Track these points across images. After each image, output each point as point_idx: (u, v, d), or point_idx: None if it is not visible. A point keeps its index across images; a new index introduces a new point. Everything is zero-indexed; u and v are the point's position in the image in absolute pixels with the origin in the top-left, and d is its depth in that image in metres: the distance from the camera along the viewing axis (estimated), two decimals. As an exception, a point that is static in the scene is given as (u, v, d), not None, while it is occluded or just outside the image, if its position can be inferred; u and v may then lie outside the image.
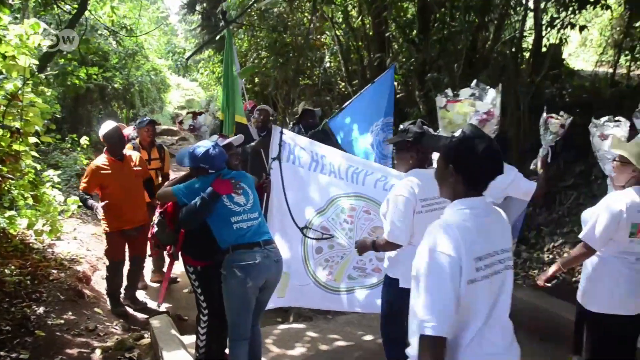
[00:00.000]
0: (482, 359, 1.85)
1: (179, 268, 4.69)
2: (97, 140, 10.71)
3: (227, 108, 5.22)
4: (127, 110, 15.11)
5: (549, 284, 3.17)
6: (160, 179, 5.81)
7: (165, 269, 5.54)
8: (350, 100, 5.79)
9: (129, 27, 12.27)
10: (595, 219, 2.92)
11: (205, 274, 3.59)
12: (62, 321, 4.40)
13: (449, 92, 3.10)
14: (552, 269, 3.13)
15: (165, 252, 3.86)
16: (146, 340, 4.25)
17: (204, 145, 3.44)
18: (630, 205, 2.85)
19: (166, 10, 26.50)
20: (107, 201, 4.75)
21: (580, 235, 3.03)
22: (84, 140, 8.87)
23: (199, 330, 3.71)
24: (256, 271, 3.23)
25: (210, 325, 3.66)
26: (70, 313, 4.58)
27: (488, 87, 3.14)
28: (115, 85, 12.47)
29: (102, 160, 4.89)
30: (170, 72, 22.54)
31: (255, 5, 7.98)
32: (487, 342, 1.84)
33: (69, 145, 9.96)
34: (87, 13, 7.67)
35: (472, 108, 2.77)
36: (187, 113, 4.99)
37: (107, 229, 4.94)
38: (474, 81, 3.17)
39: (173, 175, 5.35)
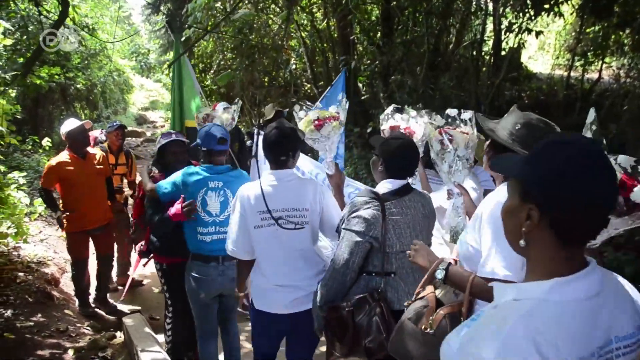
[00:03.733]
0: (265, 285, 2.64)
1: (148, 269, 4.70)
2: (59, 142, 10.52)
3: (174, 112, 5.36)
4: (90, 111, 14.82)
5: None
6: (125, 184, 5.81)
7: (130, 272, 5.58)
8: (316, 103, 5.92)
9: (91, 27, 12.06)
10: None
11: (171, 272, 3.60)
12: (32, 323, 4.37)
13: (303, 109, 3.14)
14: None
15: (134, 250, 3.92)
16: (119, 339, 4.27)
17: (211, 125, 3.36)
18: None
19: (129, 9, 26.05)
20: (67, 207, 4.76)
21: None
22: (46, 142, 8.70)
23: (165, 326, 3.78)
24: (207, 286, 3.22)
25: (174, 322, 3.71)
26: (39, 315, 4.55)
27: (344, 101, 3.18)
28: (78, 86, 12.24)
29: (64, 156, 4.80)
30: (133, 73, 22.17)
31: (228, 18, 8.00)
32: (275, 271, 2.62)
33: (30, 147, 9.73)
34: (46, 12, 7.58)
35: (317, 114, 2.97)
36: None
37: (68, 228, 4.86)
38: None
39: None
